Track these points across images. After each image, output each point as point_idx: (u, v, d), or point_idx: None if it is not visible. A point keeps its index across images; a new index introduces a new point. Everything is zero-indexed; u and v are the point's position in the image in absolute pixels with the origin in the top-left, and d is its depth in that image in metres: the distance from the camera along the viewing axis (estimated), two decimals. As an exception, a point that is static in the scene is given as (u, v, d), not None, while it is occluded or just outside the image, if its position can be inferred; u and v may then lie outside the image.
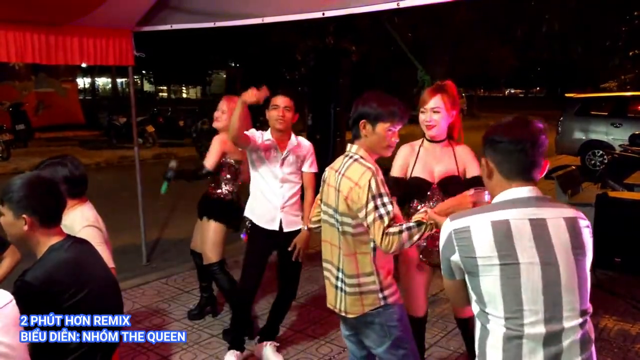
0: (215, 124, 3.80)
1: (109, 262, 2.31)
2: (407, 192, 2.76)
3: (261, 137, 3.22)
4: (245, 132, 3.12)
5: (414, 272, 2.81)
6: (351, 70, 8.52)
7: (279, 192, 3.26)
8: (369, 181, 2.07)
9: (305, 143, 3.38)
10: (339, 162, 2.28)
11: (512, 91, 63.06)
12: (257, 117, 17.30)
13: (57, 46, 4.20)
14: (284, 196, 3.26)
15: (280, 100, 3.16)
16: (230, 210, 3.80)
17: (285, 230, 3.27)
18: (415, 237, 2.05)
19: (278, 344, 3.52)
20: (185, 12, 4.40)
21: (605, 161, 8.80)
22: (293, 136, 3.31)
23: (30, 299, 1.80)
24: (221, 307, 4.22)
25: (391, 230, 2.04)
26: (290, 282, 3.46)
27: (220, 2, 4.20)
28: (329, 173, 2.33)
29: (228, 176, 3.79)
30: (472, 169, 2.75)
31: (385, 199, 2.08)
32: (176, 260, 5.40)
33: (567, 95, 13.34)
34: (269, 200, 3.28)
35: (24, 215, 1.88)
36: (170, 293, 4.56)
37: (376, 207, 2.05)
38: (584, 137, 11.77)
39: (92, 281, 1.98)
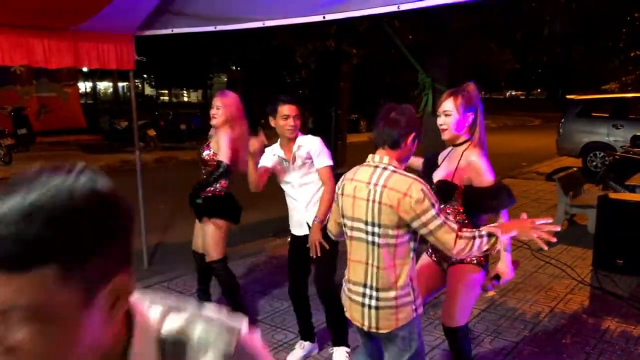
0: (213, 122, 3.76)
1: None
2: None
3: (271, 154, 3.38)
4: (260, 168, 3.34)
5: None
6: (352, 73, 8.52)
7: (300, 197, 3.34)
8: (422, 191, 2.10)
9: (307, 141, 3.32)
10: (363, 173, 2.24)
11: (513, 93, 63.06)
12: (257, 120, 17.25)
13: (59, 50, 4.21)
14: (306, 200, 3.32)
15: (288, 109, 3.21)
16: (228, 205, 3.79)
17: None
18: (485, 247, 2.13)
19: (348, 349, 3.45)
20: (186, 16, 4.41)
21: (607, 163, 8.80)
22: (297, 140, 3.31)
23: None
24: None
25: (465, 234, 2.11)
26: (318, 280, 3.37)
27: (221, 6, 4.21)
28: (348, 185, 2.27)
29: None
30: (474, 179, 2.62)
31: (440, 206, 2.15)
32: (177, 263, 5.40)
33: (568, 96, 13.35)
34: (295, 208, 3.40)
35: None
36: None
37: (438, 214, 2.09)
38: (585, 139, 11.77)
39: None
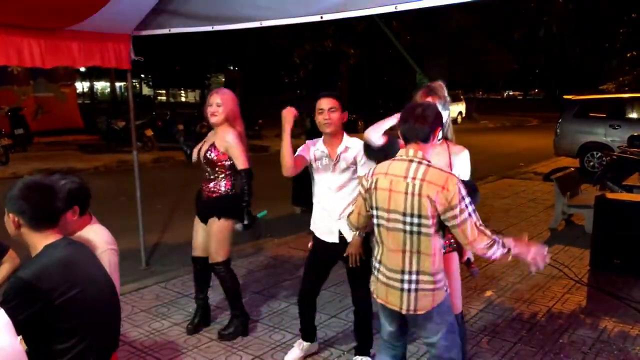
0: (213, 120, 3.64)
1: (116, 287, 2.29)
2: None
3: (313, 148, 3.23)
4: (297, 155, 3.18)
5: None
6: (350, 74, 8.52)
7: (335, 201, 3.17)
8: (457, 185, 2.27)
9: (355, 144, 3.16)
10: (397, 167, 2.36)
11: (511, 93, 63.20)
12: (255, 120, 17.21)
13: (56, 50, 4.20)
14: (341, 205, 3.16)
15: (325, 103, 3.10)
16: (233, 205, 3.69)
17: (349, 240, 3.17)
18: (498, 255, 2.31)
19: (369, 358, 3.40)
20: (184, 16, 4.41)
21: (604, 163, 8.81)
22: (345, 139, 3.18)
23: (21, 295, 1.85)
24: (220, 310, 4.22)
25: (488, 233, 2.29)
26: (355, 290, 3.31)
27: (218, 5, 4.20)
28: (382, 179, 2.38)
29: (227, 172, 3.68)
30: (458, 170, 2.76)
31: (469, 200, 2.31)
32: (175, 264, 5.39)
33: (565, 97, 13.38)
34: (326, 211, 3.22)
35: (11, 214, 1.98)
36: (170, 297, 4.56)
37: (467, 206, 2.27)
38: (582, 139, 11.79)
39: (85, 281, 2.00)
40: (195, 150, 3.83)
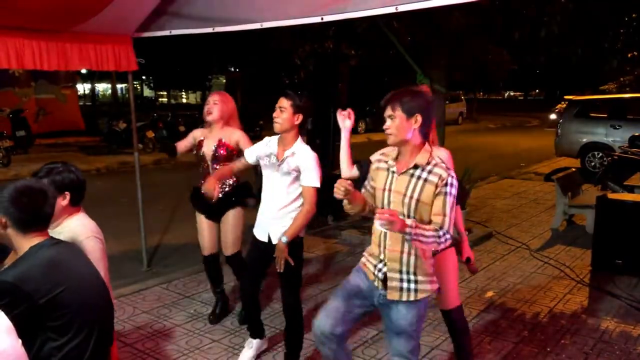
0: (209, 117, 3.78)
1: (104, 277, 2.33)
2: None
3: (268, 144, 3.25)
4: (249, 150, 3.35)
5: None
6: (350, 75, 8.51)
7: (273, 202, 3.15)
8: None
9: (303, 153, 3.09)
10: None
11: (512, 94, 63.16)
12: (256, 121, 17.11)
13: (57, 52, 4.21)
14: (278, 206, 3.13)
15: (279, 101, 3.11)
16: (245, 193, 3.90)
17: (274, 242, 3.13)
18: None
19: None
20: (184, 17, 4.41)
21: (605, 163, 8.80)
22: (295, 145, 3.11)
23: (5, 297, 1.88)
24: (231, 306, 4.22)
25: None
26: (284, 296, 3.30)
27: (219, 7, 4.20)
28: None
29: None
30: None
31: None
32: (176, 265, 5.40)
33: (566, 97, 13.38)
34: (264, 209, 3.22)
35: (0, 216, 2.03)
36: (171, 298, 4.56)
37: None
38: (583, 139, 11.79)
39: (71, 279, 2.03)
40: (181, 146, 3.95)
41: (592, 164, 11.65)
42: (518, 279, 5.00)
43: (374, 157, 2.56)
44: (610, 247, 5.05)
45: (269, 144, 3.25)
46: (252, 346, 3.50)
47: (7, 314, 1.82)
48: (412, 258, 2.38)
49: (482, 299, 4.59)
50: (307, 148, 3.15)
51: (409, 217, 2.30)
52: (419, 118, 2.29)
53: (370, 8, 3.47)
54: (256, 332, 3.51)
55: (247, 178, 3.98)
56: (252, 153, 3.32)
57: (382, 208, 2.37)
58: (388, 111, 2.34)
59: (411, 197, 2.30)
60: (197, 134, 3.95)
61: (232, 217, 3.85)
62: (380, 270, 2.44)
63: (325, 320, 2.50)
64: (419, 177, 2.31)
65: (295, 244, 3.11)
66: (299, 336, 3.34)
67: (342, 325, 2.50)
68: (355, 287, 2.52)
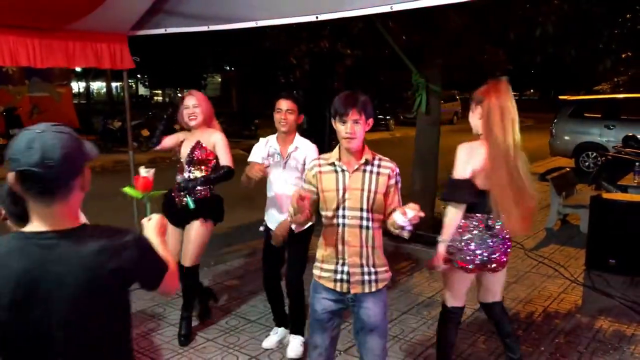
0: (193, 122, 3.60)
1: None
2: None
3: (267, 145, 3.46)
4: (253, 158, 3.48)
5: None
6: (345, 74, 8.52)
7: (285, 195, 3.30)
8: None
9: (306, 145, 3.40)
10: None
11: (507, 94, 63.20)
12: (252, 120, 17.05)
13: (52, 50, 4.18)
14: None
15: (283, 104, 3.34)
16: (219, 206, 3.75)
17: (296, 232, 3.28)
18: None
19: (303, 339, 3.57)
20: (180, 15, 4.40)
21: (599, 163, 8.84)
22: (296, 140, 3.41)
23: None
24: (218, 311, 4.21)
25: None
26: (289, 275, 3.56)
27: (214, 5, 4.20)
28: None
29: (209, 172, 3.65)
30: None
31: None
32: (171, 264, 5.37)
33: (560, 97, 13.42)
34: (275, 203, 3.46)
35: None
36: (165, 297, 4.54)
37: None
38: (577, 139, 11.83)
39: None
40: (166, 141, 3.83)
41: (586, 163, 11.70)
42: (512, 278, 5.01)
43: (311, 164, 2.59)
44: (604, 247, 5.06)
45: (269, 143, 3.47)
46: (277, 333, 3.73)
47: None
48: (370, 250, 2.44)
49: (476, 298, 4.60)
50: (307, 140, 3.45)
51: (367, 211, 2.39)
52: (371, 121, 2.43)
53: (365, 7, 3.48)
54: (281, 321, 3.75)
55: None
56: (257, 158, 3.45)
57: (337, 208, 2.41)
58: (354, 115, 2.35)
59: (369, 191, 2.39)
60: (181, 135, 3.81)
61: (195, 229, 3.62)
62: (341, 272, 2.45)
63: None
64: (371, 172, 2.42)
65: (304, 229, 3.22)
66: (303, 312, 3.57)
67: (332, 348, 2.60)
68: (324, 312, 2.50)
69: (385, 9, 3.35)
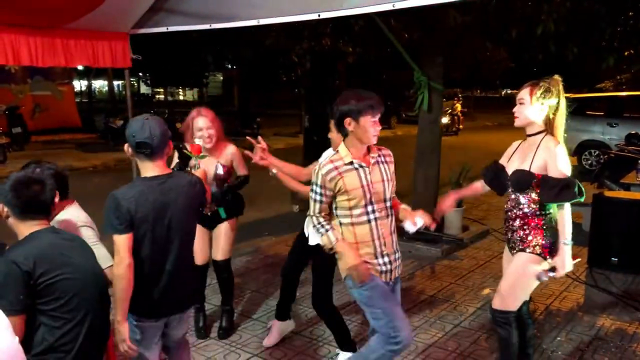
0: (208, 146, 3.54)
1: (107, 260, 2.41)
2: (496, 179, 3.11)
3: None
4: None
5: None
6: (347, 72, 8.51)
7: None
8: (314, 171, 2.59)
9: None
10: None
11: (509, 91, 63.21)
12: (254, 118, 17.03)
13: (54, 49, 4.19)
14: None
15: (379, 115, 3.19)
16: (241, 202, 3.92)
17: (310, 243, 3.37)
18: (319, 240, 2.62)
19: None
20: (181, 14, 4.41)
21: (602, 161, 8.82)
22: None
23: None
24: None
25: (320, 220, 2.57)
26: (314, 291, 3.46)
27: (215, 4, 4.20)
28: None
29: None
30: (549, 166, 2.77)
31: (315, 188, 2.55)
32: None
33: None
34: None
35: (0, 205, 2.16)
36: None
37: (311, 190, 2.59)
38: (580, 137, 11.80)
39: (67, 266, 2.08)
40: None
41: (589, 162, 11.68)
42: (514, 277, 5.00)
43: (325, 169, 2.51)
44: (606, 245, 5.06)
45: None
46: (277, 327, 3.69)
47: (5, 294, 1.91)
48: (395, 235, 2.65)
49: (478, 296, 4.61)
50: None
51: (389, 200, 2.61)
52: None
53: (367, 5, 3.47)
54: (280, 314, 3.70)
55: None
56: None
57: (366, 204, 2.52)
58: (378, 115, 2.52)
59: (388, 180, 2.60)
60: (192, 162, 3.75)
61: (224, 228, 3.79)
62: (384, 264, 2.60)
63: (408, 328, 2.66)
64: (382, 162, 2.61)
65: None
66: (342, 328, 3.41)
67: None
68: (384, 286, 2.65)
69: (387, 7, 3.34)
